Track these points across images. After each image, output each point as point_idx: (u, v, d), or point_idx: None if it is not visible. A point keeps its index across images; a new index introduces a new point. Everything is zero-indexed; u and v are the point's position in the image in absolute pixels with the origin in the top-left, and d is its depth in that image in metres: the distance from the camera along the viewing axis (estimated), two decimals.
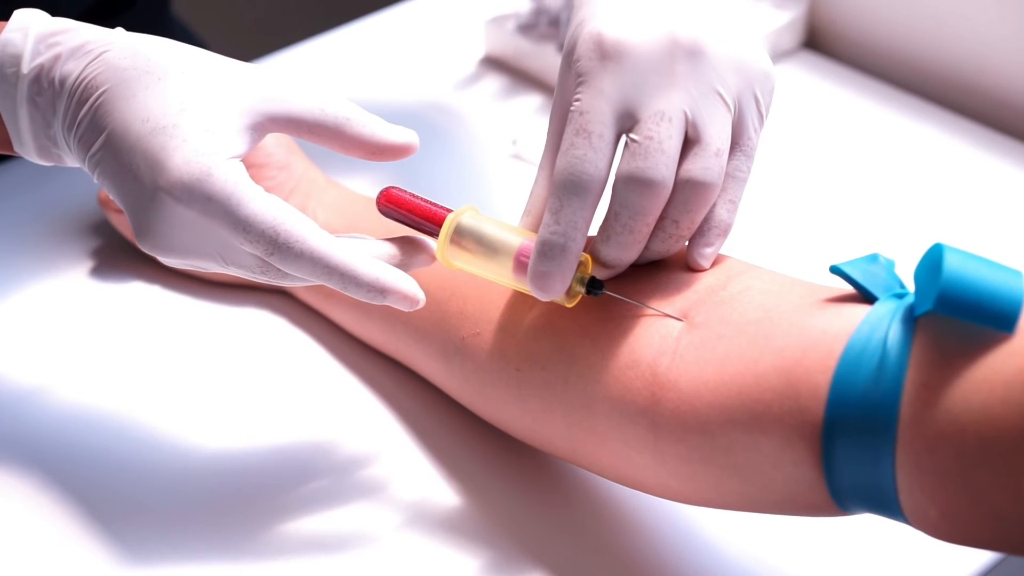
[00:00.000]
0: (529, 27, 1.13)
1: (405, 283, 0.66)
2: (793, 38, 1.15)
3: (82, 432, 0.79)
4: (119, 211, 0.90)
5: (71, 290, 0.90)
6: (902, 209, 0.99)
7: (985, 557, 0.73)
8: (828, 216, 0.98)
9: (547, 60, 1.10)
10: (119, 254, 0.92)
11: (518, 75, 1.13)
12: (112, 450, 0.78)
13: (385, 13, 1.21)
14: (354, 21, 1.20)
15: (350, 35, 1.18)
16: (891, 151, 1.05)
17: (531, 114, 1.08)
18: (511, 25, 1.13)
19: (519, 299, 0.71)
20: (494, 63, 1.14)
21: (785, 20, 1.14)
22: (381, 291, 0.65)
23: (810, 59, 1.16)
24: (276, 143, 0.87)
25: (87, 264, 0.91)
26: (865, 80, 1.13)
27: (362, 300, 0.66)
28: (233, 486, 0.76)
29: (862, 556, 0.72)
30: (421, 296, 0.66)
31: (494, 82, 1.12)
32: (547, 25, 1.12)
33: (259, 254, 0.64)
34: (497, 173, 1.02)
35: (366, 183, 0.96)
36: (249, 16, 1.82)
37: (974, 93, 1.10)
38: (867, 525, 0.72)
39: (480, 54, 1.15)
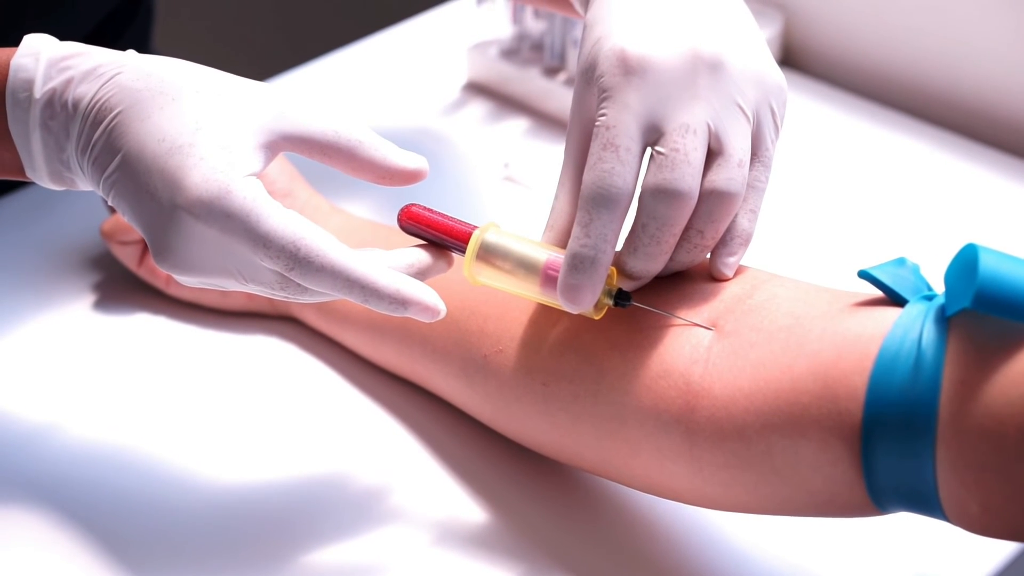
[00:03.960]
0: (512, 52, 1.14)
1: (426, 294, 0.66)
2: None
3: (96, 468, 0.79)
4: (122, 243, 0.89)
5: (75, 324, 0.89)
6: (881, 218, 1.01)
7: (999, 557, 0.74)
8: (808, 227, 1.00)
9: (531, 84, 1.11)
10: (123, 286, 0.91)
11: (503, 100, 1.14)
12: (127, 485, 0.78)
13: (364, 43, 1.22)
14: (332, 52, 1.21)
15: (329, 66, 1.19)
16: (869, 162, 1.08)
17: (520, 137, 1.09)
18: (494, 51, 1.14)
19: (542, 315, 0.72)
20: (478, 89, 1.15)
21: None
22: (403, 302, 0.65)
23: (787, 76, 1.17)
24: (279, 171, 0.87)
25: (90, 297, 0.91)
26: (841, 95, 1.15)
27: (383, 312, 0.66)
28: (256, 518, 0.76)
29: (888, 556, 0.73)
30: (442, 307, 0.66)
31: (479, 107, 1.13)
32: (530, 50, 1.13)
33: (279, 269, 0.64)
34: (491, 196, 1.03)
35: (365, 209, 0.97)
36: (231, 50, 1.83)
37: (947, 104, 1.12)
38: (891, 526, 0.73)
39: (463, 80, 1.16)
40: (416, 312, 0.66)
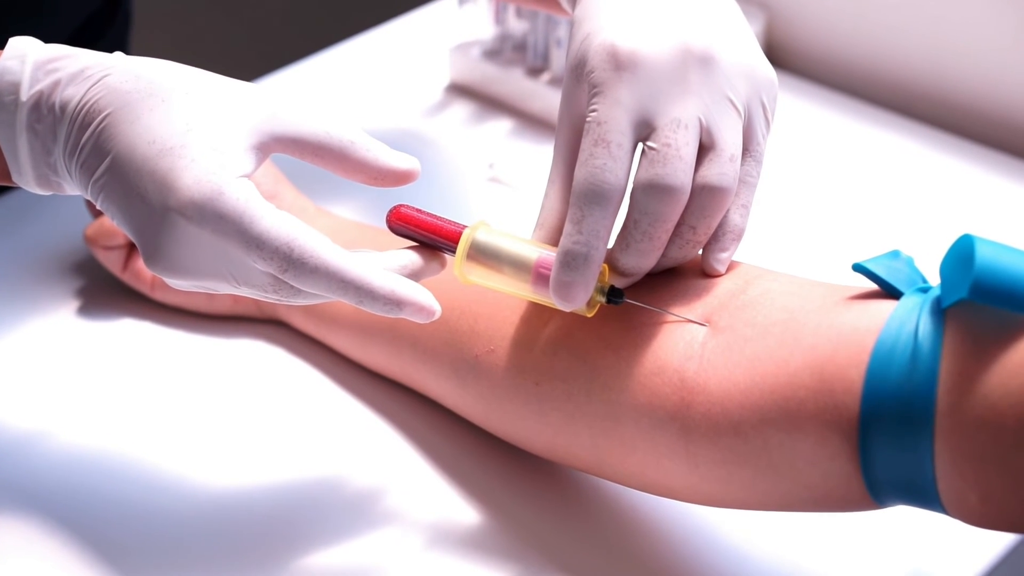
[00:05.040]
0: (494, 53, 1.13)
1: (421, 295, 0.65)
2: None
3: (83, 475, 0.78)
4: (106, 247, 0.89)
5: (59, 330, 0.88)
6: (865, 214, 1.01)
7: (993, 552, 0.74)
8: (792, 224, 0.99)
9: (515, 85, 1.11)
10: (107, 291, 0.90)
11: (485, 101, 1.13)
12: (115, 492, 0.77)
13: (344, 46, 1.21)
14: (313, 55, 1.20)
15: (310, 69, 1.18)
16: (852, 158, 1.08)
17: (504, 138, 1.09)
18: (476, 52, 1.14)
19: (534, 313, 0.72)
20: (460, 90, 1.15)
21: None
22: (397, 303, 0.65)
23: None
24: (264, 173, 0.87)
25: (74, 303, 0.90)
26: (823, 92, 1.16)
27: (378, 313, 0.65)
28: (247, 523, 0.75)
29: (884, 552, 0.73)
30: (437, 308, 0.65)
31: (462, 109, 1.13)
32: (512, 50, 1.13)
33: (273, 271, 0.64)
34: (476, 197, 1.02)
35: (349, 211, 0.96)
36: (210, 54, 1.81)
37: (930, 100, 1.12)
38: (887, 521, 0.73)
39: (445, 82, 1.16)
40: (411, 313, 0.65)
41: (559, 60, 1.09)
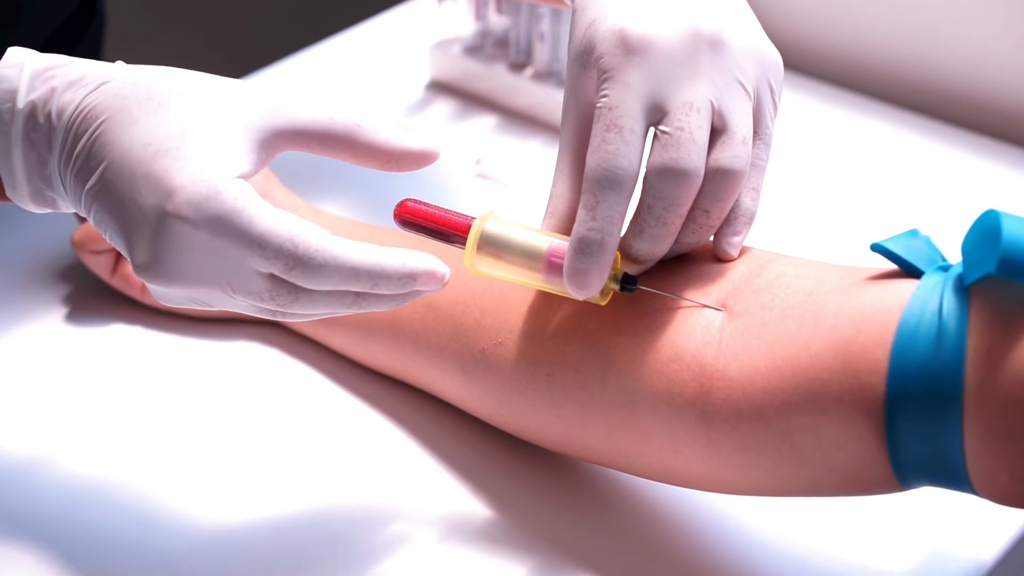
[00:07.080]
0: (475, 49, 1.12)
1: (429, 261, 0.63)
2: None
3: (75, 482, 0.76)
4: (94, 252, 0.87)
5: (47, 338, 0.86)
6: (851, 205, 1.01)
7: (1008, 535, 0.74)
8: (778, 217, 0.99)
9: (498, 81, 1.10)
10: (95, 297, 0.88)
11: (467, 97, 1.12)
12: (109, 498, 0.75)
13: (322, 46, 1.20)
14: (290, 56, 1.19)
15: (287, 70, 1.17)
16: (836, 148, 1.08)
17: (489, 134, 1.08)
18: (456, 49, 1.13)
19: (542, 304, 0.71)
20: (441, 87, 1.14)
21: None
22: (411, 276, 0.63)
23: None
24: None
25: (61, 310, 0.88)
26: (806, 82, 1.15)
27: (391, 293, 0.63)
28: (252, 533, 0.73)
29: (901, 536, 0.73)
30: (447, 270, 0.64)
31: (444, 106, 1.12)
32: (493, 46, 1.12)
33: (277, 271, 0.62)
34: (465, 193, 1.01)
35: (342, 211, 0.95)
36: (184, 57, 1.79)
37: (916, 88, 1.13)
38: (903, 507, 0.72)
39: (425, 80, 1.15)
40: (424, 282, 0.63)
41: (542, 55, 1.08)
